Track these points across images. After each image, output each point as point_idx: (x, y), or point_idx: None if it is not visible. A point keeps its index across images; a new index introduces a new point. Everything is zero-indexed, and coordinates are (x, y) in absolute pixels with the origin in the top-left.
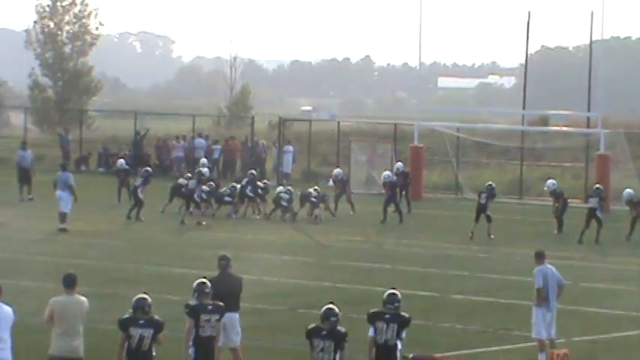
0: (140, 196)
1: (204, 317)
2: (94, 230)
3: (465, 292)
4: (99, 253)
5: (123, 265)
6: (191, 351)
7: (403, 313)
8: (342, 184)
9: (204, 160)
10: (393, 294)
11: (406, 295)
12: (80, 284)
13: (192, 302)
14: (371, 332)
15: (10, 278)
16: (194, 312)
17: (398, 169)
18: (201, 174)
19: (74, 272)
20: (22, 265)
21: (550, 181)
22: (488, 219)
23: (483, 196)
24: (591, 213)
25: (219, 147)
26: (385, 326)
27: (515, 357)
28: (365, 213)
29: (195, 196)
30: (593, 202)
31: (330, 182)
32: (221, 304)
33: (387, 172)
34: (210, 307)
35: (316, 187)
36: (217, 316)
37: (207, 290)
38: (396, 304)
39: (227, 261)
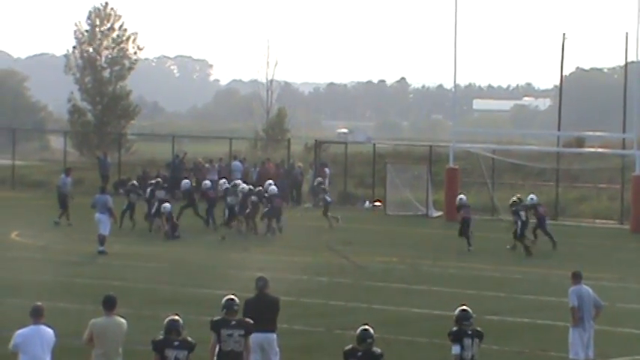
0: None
1: (225, 332)
2: (133, 252)
3: (501, 313)
4: (138, 275)
5: (162, 286)
6: None
7: (478, 328)
8: None
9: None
10: (466, 310)
11: (442, 316)
12: (119, 306)
13: (216, 318)
14: (456, 350)
15: (50, 300)
16: (215, 327)
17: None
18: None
19: (114, 294)
20: (62, 287)
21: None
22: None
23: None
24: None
25: (257, 169)
26: (471, 342)
27: None
28: (401, 234)
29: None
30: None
31: (367, 204)
32: (248, 320)
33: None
34: (233, 322)
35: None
36: (241, 332)
37: (236, 307)
38: (471, 320)
39: (264, 282)
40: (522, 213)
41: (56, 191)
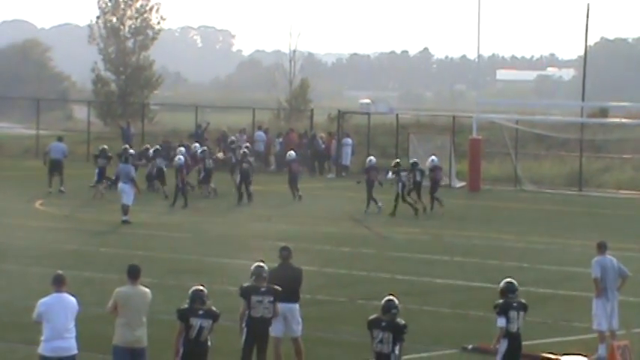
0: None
1: (255, 298)
2: (157, 222)
3: (525, 283)
4: (161, 244)
5: (185, 256)
6: (244, 331)
7: (523, 300)
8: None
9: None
10: (512, 282)
11: (465, 286)
12: (143, 275)
13: (245, 284)
14: (502, 323)
15: (74, 269)
16: (245, 293)
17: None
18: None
19: (138, 263)
20: (86, 257)
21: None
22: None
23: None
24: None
25: (280, 140)
26: (516, 314)
27: (575, 348)
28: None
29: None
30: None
31: (389, 175)
32: (276, 287)
33: (371, 157)
34: (262, 289)
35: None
36: (270, 298)
37: (264, 274)
38: (517, 292)
39: (288, 252)
40: (403, 174)
41: (45, 158)
